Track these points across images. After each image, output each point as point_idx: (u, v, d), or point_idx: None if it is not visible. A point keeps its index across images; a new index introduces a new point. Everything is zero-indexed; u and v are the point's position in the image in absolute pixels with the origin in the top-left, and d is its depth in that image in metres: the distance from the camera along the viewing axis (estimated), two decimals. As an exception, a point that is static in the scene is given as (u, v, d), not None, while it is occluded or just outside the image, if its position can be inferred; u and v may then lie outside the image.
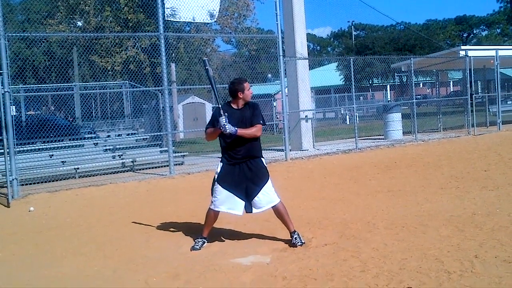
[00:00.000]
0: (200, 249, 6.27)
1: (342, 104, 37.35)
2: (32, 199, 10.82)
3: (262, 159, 6.40)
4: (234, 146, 6.21)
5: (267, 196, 6.25)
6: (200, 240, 6.39)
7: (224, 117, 6.01)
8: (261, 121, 6.23)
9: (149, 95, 20.69)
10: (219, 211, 6.31)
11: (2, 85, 10.91)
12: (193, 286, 5.08)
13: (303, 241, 6.20)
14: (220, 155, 6.47)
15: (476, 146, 15.82)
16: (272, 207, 6.28)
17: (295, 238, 6.22)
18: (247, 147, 6.22)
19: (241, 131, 6.07)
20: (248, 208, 6.32)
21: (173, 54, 20.17)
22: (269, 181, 6.30)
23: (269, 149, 17.08)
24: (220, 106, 6.16)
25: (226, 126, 5.97)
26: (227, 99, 6.42)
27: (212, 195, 6.36)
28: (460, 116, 22.28)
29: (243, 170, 6.23)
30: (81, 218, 8.84)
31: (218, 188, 6.27)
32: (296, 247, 6.11)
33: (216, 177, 6.32)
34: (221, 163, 6.34)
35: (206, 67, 6.45)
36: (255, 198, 6.22)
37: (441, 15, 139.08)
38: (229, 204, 6.26)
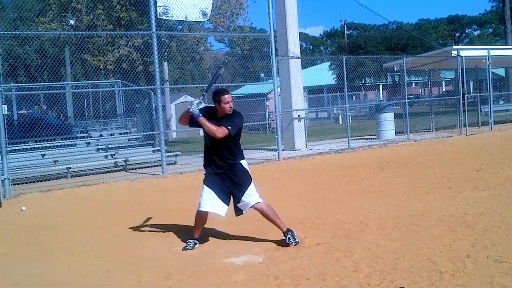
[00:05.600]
0: (192, 249, 6.28)
1: (334, 104, 37.44)
2: (24, 198, 10.78)
3: (242, 162, 6.42)
4: (214, 157, 6.28)
5: (250, 198, 6.30)
6: (192, 241, 6.39)
7: (199, 100, 6.14)
8: (229, 127, 6.09)
9: (142, 94, 20.65)
10: (207, 212, 6.32)
11: (-7, 84, 10.87)
12: (186, 286, 5.07)
13: (297, 240, 6.20)
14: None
15: (468, 146, 15.88)
16: (258, 208, 6.30)
17: (289, 238, 6.21)
18: (226, 157, 6.28)
19: (203, 120, 6.05)
20: (236, 212, 6.41)
21: (166, 53, 20.11)
22: (252, 184, 6.36)
23: (261, 149, 17.10)
24: (204, 94, 6.36)
25: (193, 106, 6.05)
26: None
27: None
28: (452, 116, 22.38)
29: (225, 178, 6.32)
30: (73, 217, 8.81)
31: (204, 189, 6.31)
32: (289, 246, 6.11)
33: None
34: (206, 169, 6.43)
35: (221, 69, 6.53)
36: (241, 201, 6.30)
37: (433, 15, 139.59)
38: (214, 205, 6.28)
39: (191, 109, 6.04)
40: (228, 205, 6.35)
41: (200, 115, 6.05)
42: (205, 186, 6.32)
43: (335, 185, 10.59)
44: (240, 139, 6.42)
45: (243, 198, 6.27)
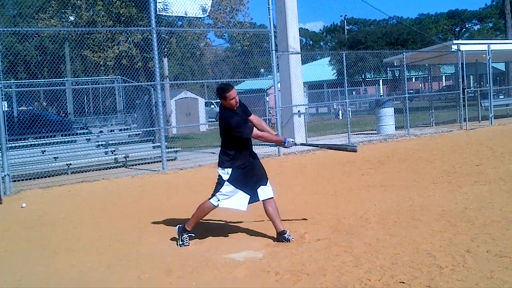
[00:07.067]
0: (189, 244, 6.26)
1: (334, 99, 37.40)
2: (24, 195, 10.80)
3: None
4: (243, 149, 6.22)
5: (270, 188, 6.35)
6: (186, 236, 6.32)
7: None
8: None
9: (142, 90, 20.62)
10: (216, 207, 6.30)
11: (-7, 81, 10.88)
12: (186, 282, 5.08)
13: (291, 238, 6.21)
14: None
15: (468, 140, 15.88)
16: (268, 202, 6.28)
17: (288, 235, 6.20)
18: (250, 146, 6.34)
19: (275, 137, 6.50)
20: (254, 197, 6.31)
21: (166, 49, 20.06)
22: None
23: (261, 144, 17.07)
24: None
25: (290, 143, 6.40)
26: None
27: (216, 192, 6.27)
28: (453, 111, 22.37)
29: (253, 163, 6.32)
30: (73, 214, 8.83)
31: (229, 186, 6.18)
32: (284, 242, 6.11)
33: (223, 178, 6.17)
34: (230, 169, 6.18)
35: None
36: (261, 187, 6.27)
37: (433, 10, 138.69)
38: (237, 201, 6.24)
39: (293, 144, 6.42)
40: (250, 196, 6.27)
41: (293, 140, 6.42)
42: (228, 183, 6.16)
43: (335, 180, 10.59)
44: None
45: (268, 183, 6.33)
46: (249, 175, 6.24)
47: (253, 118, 6.36)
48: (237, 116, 6.14)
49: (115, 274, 5.46)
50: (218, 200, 6.23)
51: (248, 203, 6.32)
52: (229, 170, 6.18)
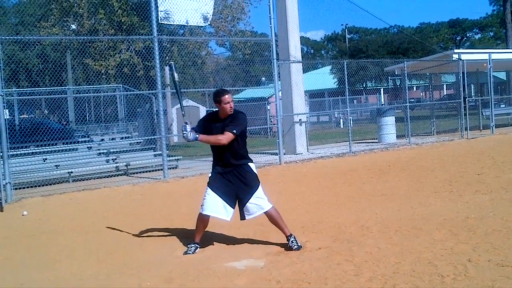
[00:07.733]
0: (193, 254, 6.27)
1: (336, 108, 37.42)
2: (26, 203, 10.78)
3: (251, 164, 6.42)
4: (222, 155, 6.27)
5: (259, 202, 6.28)
6: (192, 245, 6.38)
7: (187, 124, 6.14)
8: (233, 130, 6.13)
9: (143, 98, 20.66)
10: (209, 216, 6.30)
11: (-5, 89, 10.89)
12: (187, 291, 5.08)
13: (299, 245, 6.22)
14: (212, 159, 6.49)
15: (470, 149, 15.86)
16: (264, 213, 6.29)
17: (292, 241, 6.22)
18: (233, 156, 6.26)
19: (203, 137, 6.17)
20: (242, 215, 6.37)
21: (167, 57, 20.10)
22: (260, 187, 6.33)
23: (263, 153, 17.09)
24: (183, 112, 6.36)
25: (184, 134, 6.11)
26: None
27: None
28: (454, 120, 22.35)
29: (233, 178, 6.29)
30: (74, 222, 8.82)
31: (208, 191, 6.28)
32: (293, 250, 6.12)
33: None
34: (211, 172, 6.42)
35: (172, 72, 6.46)
36: (247, 204, 6.26)
37: (434, 19, 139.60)
38: (218, 209, 6.25)
39: (186, 138, 6.14)
40: (234, 209, 6.31)
41: (198, 135, 6.13)
42: (209, 189, 6.29)
43: (336, 189, 10.58)
44: (246, 139, 6.42)
45: (251, 200, 6.24)
46: (229, 185, 6.27)
47: (225, 133, 6.15)
48: (201, 122, 6.45)
49: (116, 282, 5.45)
50: (202, 206, 6.32)
51: (242, 219, 6.40)
52: (210, 173, 6.40)
